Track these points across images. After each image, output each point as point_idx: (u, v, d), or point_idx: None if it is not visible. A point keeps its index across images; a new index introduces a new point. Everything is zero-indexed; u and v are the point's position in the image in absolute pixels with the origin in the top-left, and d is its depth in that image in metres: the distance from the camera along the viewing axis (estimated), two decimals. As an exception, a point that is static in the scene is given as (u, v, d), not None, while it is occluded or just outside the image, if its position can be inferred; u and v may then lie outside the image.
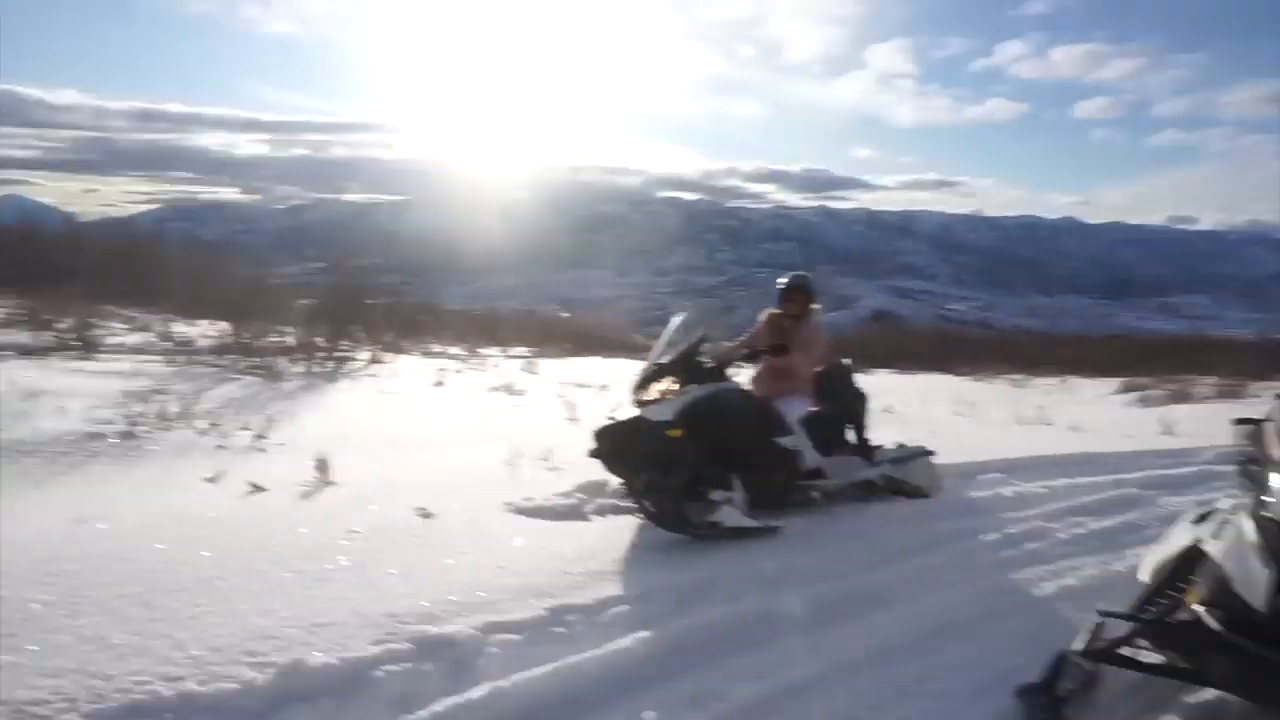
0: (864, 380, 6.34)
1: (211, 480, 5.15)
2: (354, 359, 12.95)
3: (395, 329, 15.56)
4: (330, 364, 12.00)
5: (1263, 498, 2.96)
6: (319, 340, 12.57)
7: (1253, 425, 3.81)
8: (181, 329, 13.98)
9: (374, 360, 13.12)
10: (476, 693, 2.74)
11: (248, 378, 9.73)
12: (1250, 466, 3.91)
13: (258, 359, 10.91)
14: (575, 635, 3.30)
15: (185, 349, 11.53)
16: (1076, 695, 3.02)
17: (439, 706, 2.67)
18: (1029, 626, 3.80)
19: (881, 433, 6.90)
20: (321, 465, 5.20)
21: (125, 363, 9.82)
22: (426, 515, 4.50)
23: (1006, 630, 3.74)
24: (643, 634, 3.26)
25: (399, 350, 14.78)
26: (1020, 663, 3.38)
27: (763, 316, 5.94)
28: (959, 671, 3.30)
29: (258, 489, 4.86)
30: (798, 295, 5.79)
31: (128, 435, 5.93)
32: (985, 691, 3.15)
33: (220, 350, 11.41)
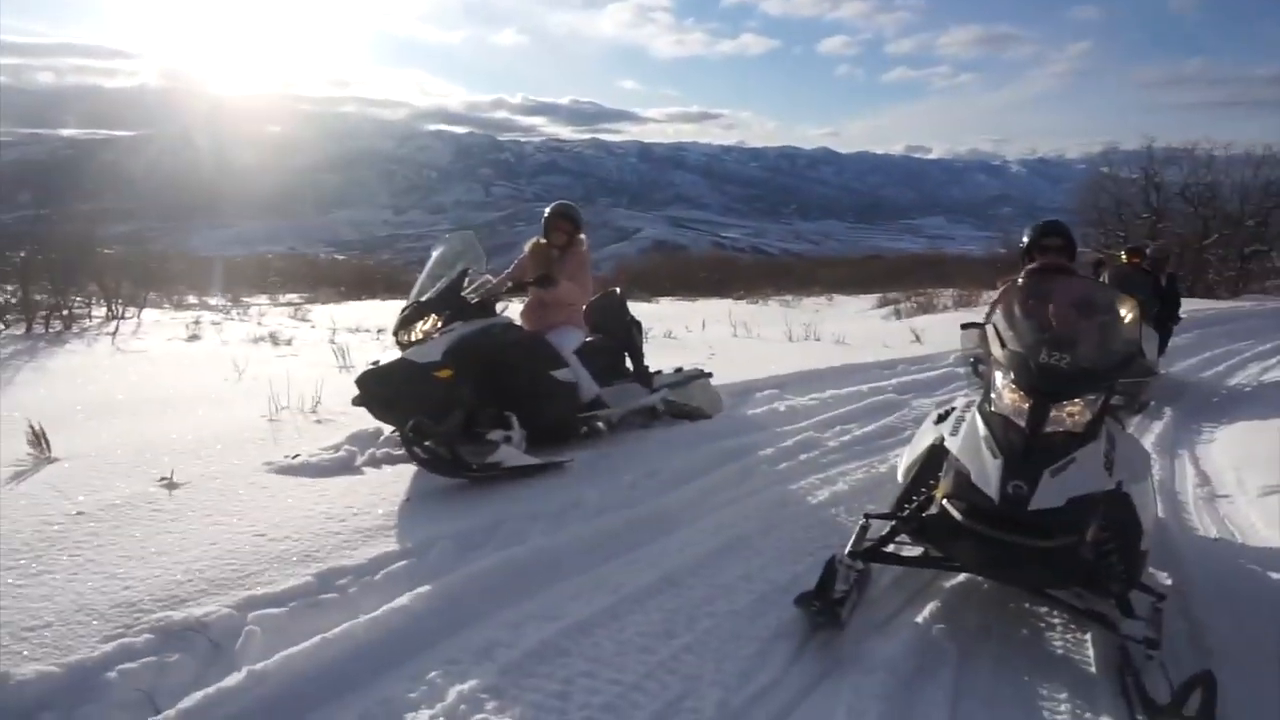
0: (647, 308, 6.39)
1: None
2: (87, 317, 11.41)
3: (138, 281, 13.80)
4: (56, 324, 10.50)
5: (990, 394, 3.23)
6: (40, 297, 10.92)
7: (978, 328, 4.18)
8: None
9: (113, 316, 11.62)
10: (231, 680, 2.44)
11: (-55, 345, 8.28)
12: (979, 366, 4.31)
13: (-42, 322, 9.33)
14: (347, 600, 3.05)
15: None
16: (850, 595, 3.20)
17: (187, 703, 2.35)
18: (805, 535, 4.01)
19: (664, 358, 7.01)
20: (37, 438, 4.48)
21: None
22: (172, 485, 4.00)
23: (784, 542, 3.91)
24: (422, 589, 3.07)
25: (145, 304, 13.17)
26: (800, 571, 3.56)
27: (527, 247, 5.72)
28: (743, 588, 3.41)
29: (-47, 475, 4.10)
30: (563, 224, 5.59)
31: None
32: (769, 604, 3.28)
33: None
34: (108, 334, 10.04)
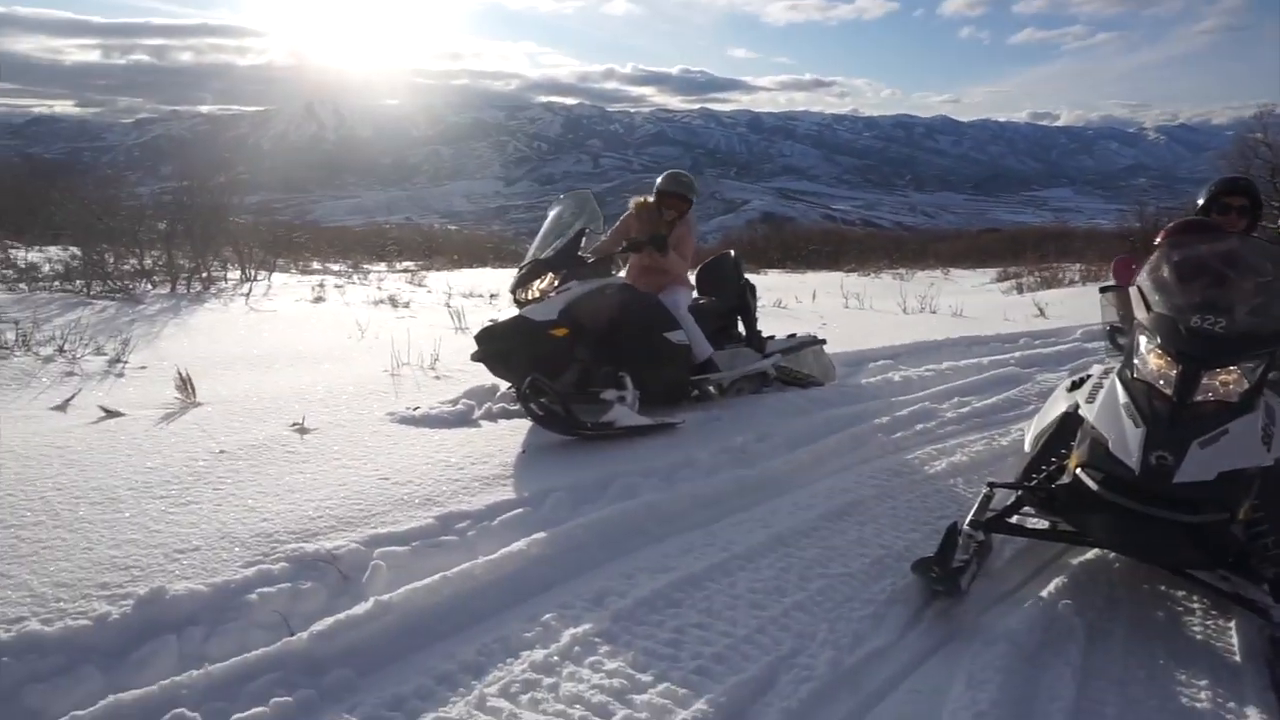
0: (757, 279, 6.29)
1: (59, 408, 4.67)
2: (224, 280, 12.11)
3: (267, 247, 14.56)
4: (197, 285, 11.18)
5: (1132, 360, 3.03)
6: (182, 261, 11.66)
7: (1120, 291, 3.92)
8: (24, 255, 12.71)
9: (246, 279, 12.30)
10: (360, 609, 2.56)
11: (102, 302, 8.94)
12: (1117, 338, 4.05)
13: (114, 283, 10.03)
14: (466, 542, 3.14)
15: (29, 276, 10.49)
16: (970, 565, 3.08)
17: (320, 626, 2.48)
18: (922, 504, 3.89)
19: (774, 326, 6.91)
20: (184, 385, 4.80)
21: (-46, 292, 8.85)
22: (303, 430, 4.21)
23: (900, 510, 3.81)
24: (538, 535, 3.14)
25: (274, 269, 13.89)
26: (916, 539, 3.46)
27: (632, 205, 5.66)
28: (857, 551, 3.34)
29: (111, 414, 4.43)
30: (675, 201, 5.50)
31: (-46, 368, 5.32)
32: (884, 568, 3.20)
33: (69, 275, 10.43)
34: (242, 295, 10.63)
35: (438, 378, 5.61)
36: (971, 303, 13.05)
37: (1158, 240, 3.76)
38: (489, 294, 12.19)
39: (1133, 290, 3.27)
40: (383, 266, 20.75)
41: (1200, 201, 4.07)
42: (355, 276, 15.89)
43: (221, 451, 3.79)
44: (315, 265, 18.48)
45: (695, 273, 5.72)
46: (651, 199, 5.57)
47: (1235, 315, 2.91)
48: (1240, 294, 3.03)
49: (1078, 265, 20.36)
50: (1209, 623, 3.00)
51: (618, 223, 5.68)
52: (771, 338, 6.05)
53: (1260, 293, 3.01)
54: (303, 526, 3.08)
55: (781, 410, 5.26)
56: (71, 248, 12.02)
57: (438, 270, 19.56)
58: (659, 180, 5.60)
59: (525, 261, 4.91)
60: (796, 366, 5.99)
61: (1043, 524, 3.34)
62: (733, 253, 6.08)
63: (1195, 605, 3.11)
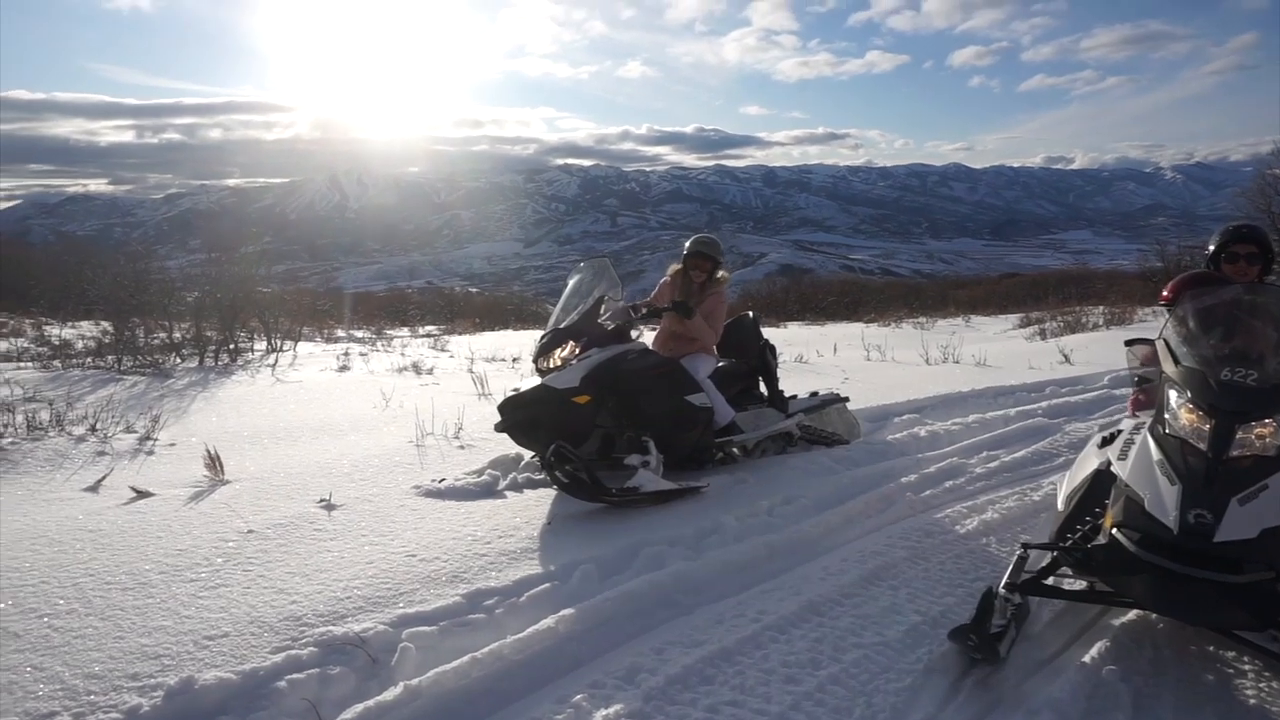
0: (776, 333, 6.29)
1: (91, 489, 4.73)
2: (250, 350, 12.29)
3: (294, 316, 14.83)
4: (224, 357, 11.36)
5: (1163, 414, 2.99)
6: (210, 333, 11.88)
7: (1147, 345, 3.89)
8: (58, 332, 13.01)
9: (272, 350, 12.49)
10: (390, 694, 2.54)
11: (132, 377, 9.09)
12: (1145, 384, 4.00)
13: (144, 357, 10.22)
14: (494, 620, 3.11)
15: (62, 352, 10.71)
16: (1008, 630, 3.01)
17: (349, 714, 2.46)
18: (955, 565, 3.82)
19: (796, 382, 6.89)
20: (212, 462, 4.85)
21: (-9, 372, 9.04)
22: (330, 506, 4.24)
23: (933, 572, 3.74)
24: (566, 612, 3.10)
25: (300, 338, 14.10)
26: (951, 603, 3.39)
27: (669, 273, 5.75)
28: (891, 619, 3.27)
29: (141, 494, 4.48)
30: (699, 262, 5.57)
31: (-10, 450, 5.41)
32: (920, 636, 3.13)
33: (101, 351, 10.64)
34: (268, 366, 10.78)
35: (462, 447, 5.63)
36: (995, 350, 12.96)
37: (1165, 293, 3.74)
38: (511, 357, 12.28)
39: (1159, 343, 3.24)
40: (406, 331, 21.00)
41: (1209, 249, 4.05)
42: (379, 343, 16.07)
43: (250, 531, 3.81)
44: (340, 333, 18.75)
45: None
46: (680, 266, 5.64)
47: (1266, 366, 2.88)
48: (1268, 344, 2.99)
49: (1101, 308, 20.19)
50: (1262, 685, 2.90)
51: (654, 292, 5.74)
52: (794, 396, 6.03)
53: (1288, 343, 2.98)
54: (331, 608, 3.07)
55: (808, 471, 5.21)
56: (103, 323, 12.29)
57: (460, 334, 19.76)
58: (688, 244, 5.66)
59: (546, 330, 4.96)
60: (820, 425, 5.95)
61: (1080, 585, 3.26)
62: (751, 313, 6.10)
63: (1246, 667, 3.00)
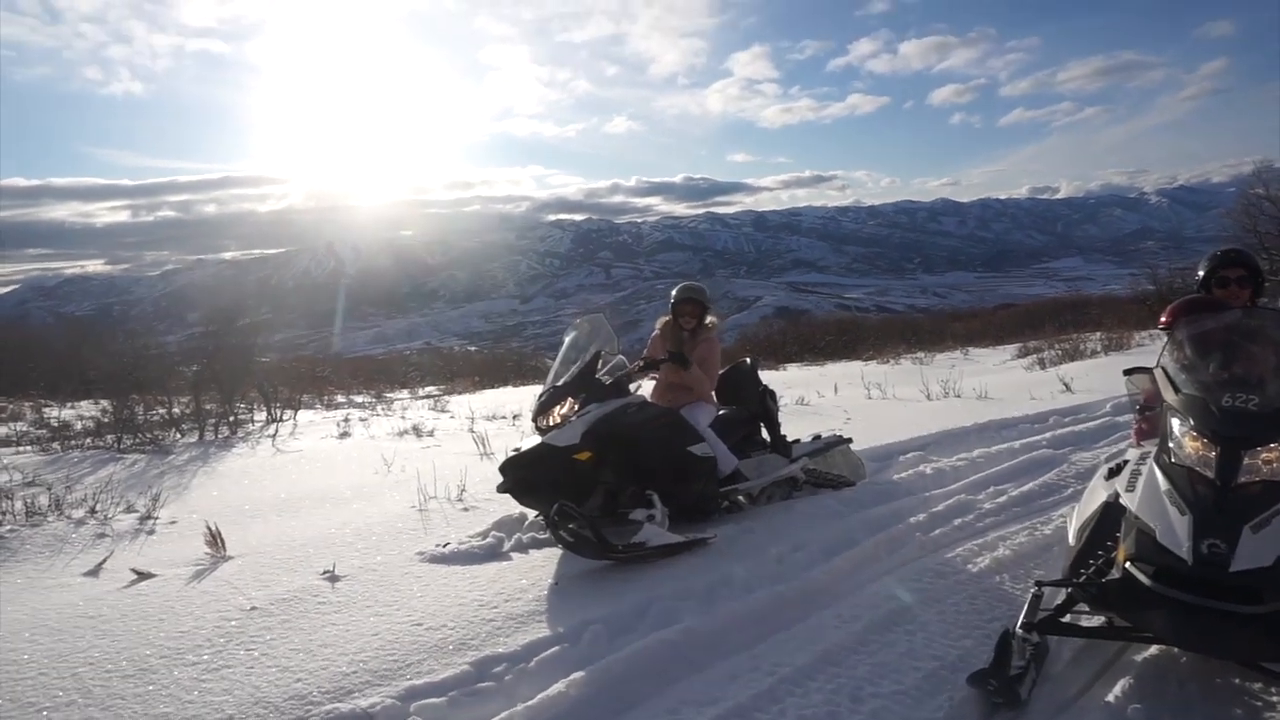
0: (775, 376, 6.29)
1: (91, 573, 4.67)
2: (250, 421, 12.26)
3: (293, 385, 14.84)
4: (224, 430, 11.33)
5: (1168, 443, 2.97)
6: (210, 406, 11.85)
7: (1145, 373, 3.88)
8: (57, 413, 12.99)
9: (272, 420, 12.45)
10: (400, 772, 2.48)
11: (132, 456, 9.05)
12: (1145, 412, 3.99)
13: (143, 435, 10.18)
14: (504, 688, 3.05)
15: (61, 434, 10.68)
16: (1028, 671, 2.95)
17: (359, 795, 2.40)
18: (970, 606, 3.75)
19: (798, 425, 6.87)
20: (213, 539, 4.79)
21: (-10, 457, 8.99)
22: (334, 578, 4.18)
23: (948, 615, 3.67)
24: (577, 675, 3.04)
25: (300, 406, 14.08)
26: (969, 645, 3.33)
27: (658, 326, 5.78)
28: (909, 666, 3.20)
29: (142, 576, 4.42)
30: (688, 307, 5.62)
31: (-11, 538, 5.35)
32: (939, 682, 3.07)
33: (100, 431, 10.61)
34: (269, 436, 10.74)
35: (466, 510, 5.58)
36: (995, 382, 12.95)
37: (1163, 320, 3.75)
38: (512, 415, 12.25)
39: (1157, 371, 3.24)
40: (405, 394, 20.98)
41: (1200, 275, 4.07)
42: (379, 407, 16.05)
43: (253, 608, 3.76)
44: (340, 398, 18.73)
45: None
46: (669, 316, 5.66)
47: (1267, 390, 2.87)
48: (1268, 368, 2.99)
49: (1098, 334, 20.24)
50: (1292, 716, 2.83)
51: (648, 346, 5.77)
52: (797, 440, 6.00)
53: (1289, 366, 2.97)
54: (336, 684, 3.02)
55: (814, 515, 5.17)
56: (102, 401, 12.27)
57: (460, 393, 19.74)
58: (674, 293, 5.71)
59: (544, 388, 4.96)
60: (825, 468, 5.92)
61: (1098, 620, 3.21)
62: (749, 360, 6.11)
63: (1275, 699, 2.94)
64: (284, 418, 12.61)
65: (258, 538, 5.11)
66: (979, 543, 4.61)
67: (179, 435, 10.72)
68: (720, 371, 5.74)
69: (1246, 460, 2.72)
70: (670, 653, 3.30)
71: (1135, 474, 3.15)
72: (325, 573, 4.22)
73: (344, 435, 10.90)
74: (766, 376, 6.11)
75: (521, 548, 4.65)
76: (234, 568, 4.48)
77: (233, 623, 3.61)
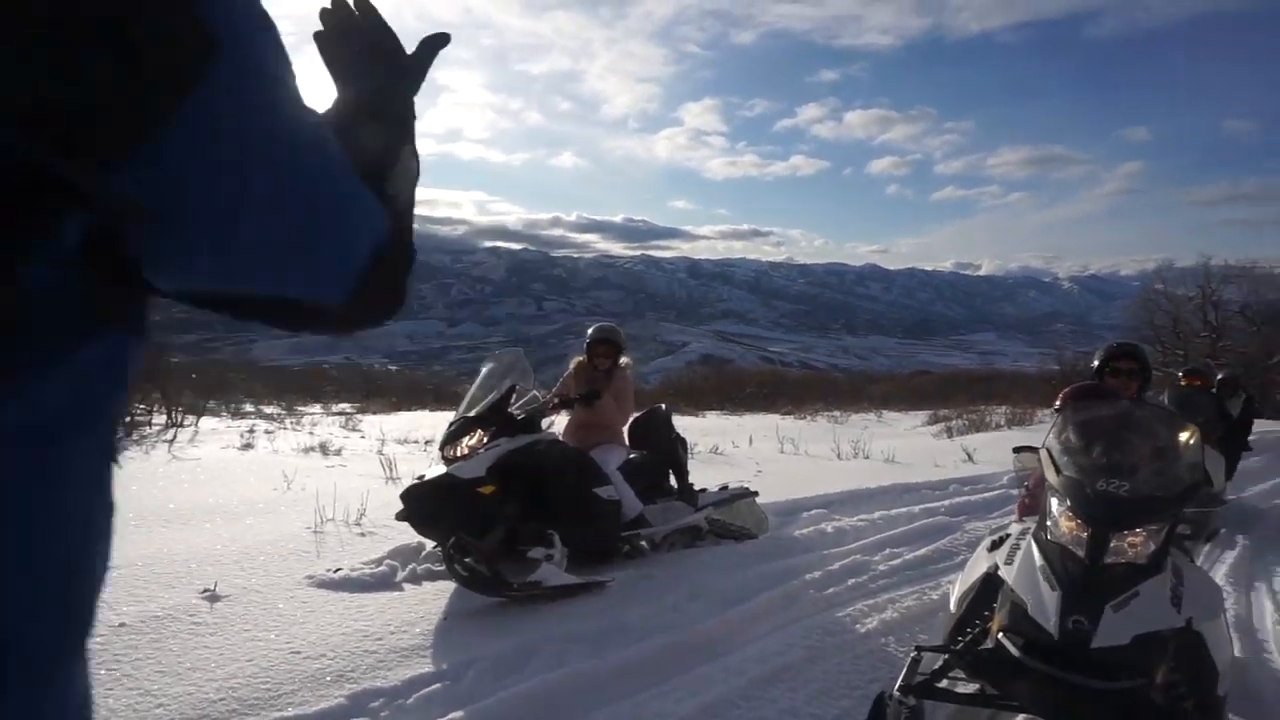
0: (694, 423, 6.37)
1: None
2: (148, 425, 11.74)
3: (198, 390, 14.28)
4: (117, 430, 10.82)
5: (1045, 521, 3.11)
6: (104, 405, 11.30)
7: (1032, 452, 4.07)
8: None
9: (172, 424, 11.95)
10: (255, 808, 2.38)
11: (12, 450, 8.56)
12: (1029, 488, 4.18)
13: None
14: (378, 724, 2.97)
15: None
16: (900, 735, 3.01)
17: (208, 830, 2.29)
18: (853, 666, 3.82)
19: (710, 474, 6.94)
20: (88, 548, 4.55)
21: None
22: (214, 597, 4.01)
23: (832, 672, 3.73)
24: (455, 715, 2.97)
25: (203, 412, 13.55)
26: (848, 705, 3.38)
27: (572, 365, 5.82)
28: (787, 722, 3.24)
29: None
30: (603, 348, 5.69)
31: None
32: (812, 741, 3.10)
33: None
34: (165, 441, 10.31)
35: (363, 534, 5.44)
36: (903, 447, 13.31)
37: (1057, 404, 3.95)
38: (424, 439, 12.03)
39: (1042, 452, 3.39)
40: (318, 408, 20.42)
41: (1095, 364, 4.31)
42: (288, 420, 15.58)
43: (121, 625, 3.57)
44: (248, 408, 18.11)
45: (627, 428, 5.77)
46: (584, 358, 5.70)
47: (1138, 478, 3.03)
48: (1140, 457, 3.17)
49: (1004, 408, 21.05)
50: (1143, 791, 2.95)
51: (558, 383, 5.77)
52: (704, 490, 6.05)
53: (1158, 456, 3.16)
54: (200, 712, 2.89)
55: (714, 566, 5.20)
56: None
57: (375, 413, 19.32)
58: (589, 333, 5.76)
59: (455, 419, 4.90)
60: (729, 519, 5.97)
61: (973, 687, 3.30)
62: (664, 406, 6.17)
63: (1127, 773, 3.06)
64: (185, 423, 12.12)
65: (137, 549, 4.87)
66: (869, 603, 4.71)
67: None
68: (635, 415, 5.77)
69: (1114, 543, 2.86)
70: (553, 697, 3.26)
71: (1015, 548, 3.28)
72: (205, 591, 4.05)
73: (247, 446, 10.55)
74: (686, 423, 6.19)
75: (415, 578, 4.55)
76: (107, 579, 4.25)
77: (96, 640, 3.42)
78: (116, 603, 3.84)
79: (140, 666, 3.20)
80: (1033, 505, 4.02)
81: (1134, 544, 2.89)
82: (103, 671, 3.13)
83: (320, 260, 0.65)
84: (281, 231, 0.61)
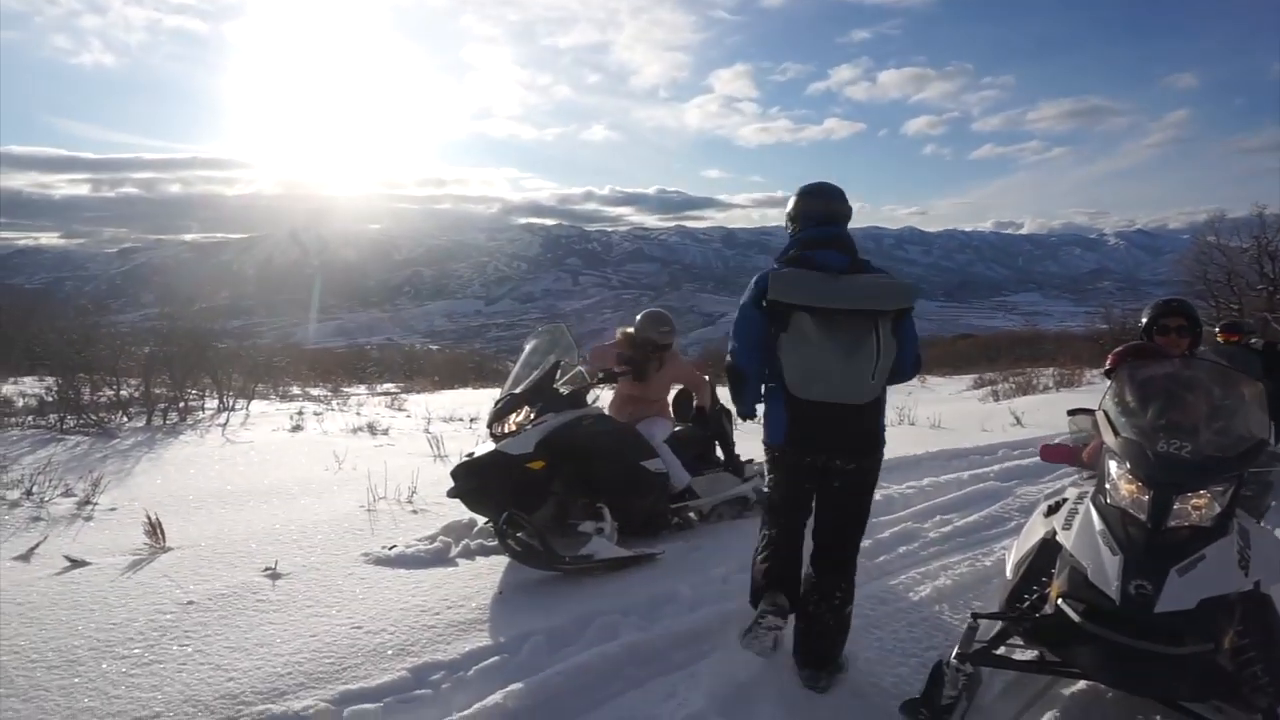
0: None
1: (23, 558, 4.54)
2: (201, 409, 12.02)
3: (248, 373, 14.57)
4: (173, 415, 11.10)
5: (1105, 485, 3.04)
6: (160, 391, 11.59)
7: (1087, 414, 3.99)
8: (-2, 388, 12.63)
9: (224, 408, 12.23)
10: (327, 778, 2.45)
11: (75, 437, 8.83)
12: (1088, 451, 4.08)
13: (88, 416, 9.94)
14: (440, 696, 3.03)
15: (1, 410, 10.38)
16: (959, 701, 3.00)
17: (284, 800, 2.36)
18: (908, 634, 3.81)
19: (754, 446, 6.90)
20: (153, 529, 4.69)
21: (-76, 431, 8.72)
22: (275, 575, 4.12)
23: (886, 642, 3.72)
24: (514, 686, 3.03)
25: (253, 396, 13.84)
26: (904, 673, 3.38)
27: (618, 334, 5.74)
28: (845, 690, 3.24)
29: (76, 563, 4.32)
30: (649, 347, 5.58)
31: (-82, 516, 5.19)
32: (872, 710, 3.11)
33: (43, 409, 10.33)
34: (219, 425, 10.55)
35: (415, 512, 5.53)
36: (949, 412, 13.16)
37: (1107, 365, 3.86)
38: (469, 417, 12.17)
39: (1099, 414, 3.32)
40: (363, 389, 20.74)
41: (1143, 322, 4.20)
42: (335, 402, 15.84)
43: (190, 602, 3.69)
44: (295, 390, 18.45)
45: (671, 401, 5.75)
46: (632, 330, 5.64)
47: (1199, 439, 2.95)
48: (1201, 417, 3.08)
49: (1051, 370, 20.69)
50: (1208, 755, 2.91)
51: (603, 349, 5.68)
52: (750, 460, 6.04)
53: (1219, 415, 3.07)
54: (270, 685, 2.97)
55: (763, 536, 5.19)
56: (48, 379, 11.94)
57: (418, 392, 19.57)
58: (638, 321, 5.68)
59: (501, 395, 4.94)
60: (777, 489, 5.95)
61: (1030, 654, 3.27)
62: (707, 378, 6.14)
63: (1192, 737, 3.02)
64: (236, 407, 12.41)
65: (199, 530, 5.02)
66: (921, 570, 4.69)
67: (125, 418, 10.49)
68: (679, 388, 5.75)
69: (1177, 505, 2.79)
70: (610, 668, 3.30)
71: (1073, 512, 3.23)
72: (267, 569, 4.16)
73: (296, 429, 10.75)
74: (726, 395, 6.15)
75: (468, 554, 4.63)
76: (172, 560, 4.39)
77: (167, 616, 3.54)
78: (184, 581, 3.97)
79: (210, 642, 3.30)
80: (1095, 454, 3.94)
81: (1198, 506, 2.81)
82: (175, 648, 3.24)
83: None
84: None
